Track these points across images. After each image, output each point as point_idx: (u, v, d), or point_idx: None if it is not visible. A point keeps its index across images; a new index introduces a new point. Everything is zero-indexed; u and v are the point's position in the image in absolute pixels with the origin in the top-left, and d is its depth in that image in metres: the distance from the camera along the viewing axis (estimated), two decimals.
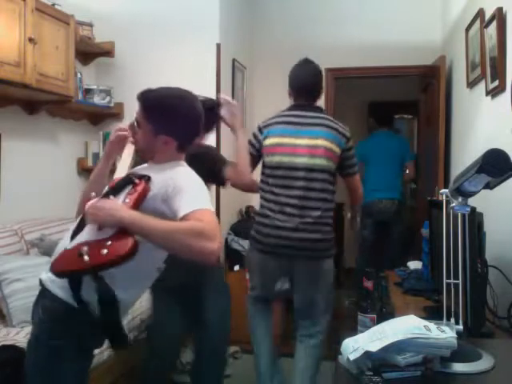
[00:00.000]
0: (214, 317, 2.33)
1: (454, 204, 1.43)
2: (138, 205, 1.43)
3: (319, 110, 2.53)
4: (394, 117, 5.40)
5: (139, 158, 1.72)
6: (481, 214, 1.68)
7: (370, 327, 1.38)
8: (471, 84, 3.04)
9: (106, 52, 3.68)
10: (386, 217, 4.30)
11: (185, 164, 1.61)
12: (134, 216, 1.36)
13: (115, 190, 1.49)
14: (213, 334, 2.34)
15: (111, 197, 1.45)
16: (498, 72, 2.40)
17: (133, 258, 1.34)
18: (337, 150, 2.39)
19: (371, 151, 4.35)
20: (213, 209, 1.44)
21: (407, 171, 4.51)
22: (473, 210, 1.48)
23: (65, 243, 1.50)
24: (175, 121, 1.55)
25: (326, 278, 2.42)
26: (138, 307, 2.63)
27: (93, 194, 1.50)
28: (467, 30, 3.06)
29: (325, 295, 2.43)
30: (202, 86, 3.64)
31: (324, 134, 2.38)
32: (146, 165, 1.66)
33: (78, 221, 1.55)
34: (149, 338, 2.50)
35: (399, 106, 6.11)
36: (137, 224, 1.34)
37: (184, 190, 1.43)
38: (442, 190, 1.50)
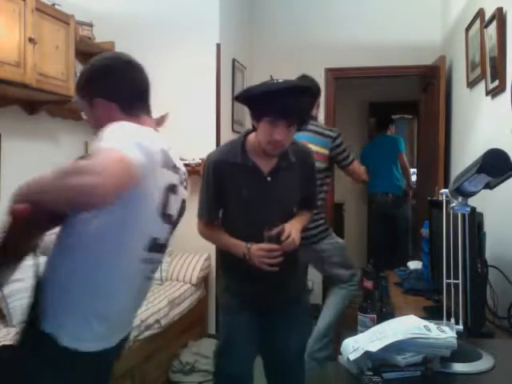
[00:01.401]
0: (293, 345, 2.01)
1: (453, 204, 1.42)
2: None
3: None
4: (392, 118, 5.53)
5: None
6: (481, 214, 1.68)
7: (370, 327, 1.38)
8: (471, 84, 3.04)
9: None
10: (385, 208, 5.00)
11: (145, 127, 1.31)
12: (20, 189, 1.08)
13: None
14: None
15: None
16: (498, 72, 2.40)
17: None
18: (323, 150, 2.72)
19: (369, 155, 5.04)
20: (125, 151, 1.09)
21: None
22: (473, 210, 1.48)
23: None
24: (99, 81, 1.37)
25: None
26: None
27: None
28: (467, 30, 3.06)
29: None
30: (202, 86, 3.68)
31: (307, 137, 2.59)
32: None
33: None
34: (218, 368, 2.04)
35: (399, 105, 6.11)
36: (20, 195, 1.07)
37: (102, 140, 1.14)
38: (442, 190, 1.50)
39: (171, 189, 1.32)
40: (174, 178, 1.34)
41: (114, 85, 1.36)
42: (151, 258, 1.34)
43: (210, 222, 1.96)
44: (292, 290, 1.97)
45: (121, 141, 1.13)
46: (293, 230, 1.79)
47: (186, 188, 1.45)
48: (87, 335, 1.27)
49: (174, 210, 1.36)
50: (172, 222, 1.37)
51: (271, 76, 1.86)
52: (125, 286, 1.32)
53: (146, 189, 1.21)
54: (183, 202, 1.43)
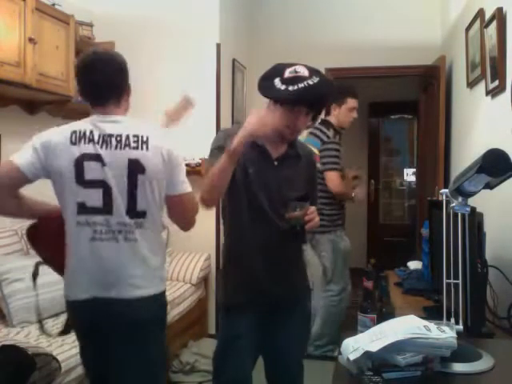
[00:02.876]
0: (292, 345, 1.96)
1: (454, 204, 1.43)
2: None
3: None
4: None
5: None
6: (481, 214, 1.68)
7: (369, 327, 1.38)
8: (471, 84, 3.04)
9: None
10: None
11: (73, 122, 1.66)
12: None
13: None
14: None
15: None
16: (498, 72, 2.40)
17: None
18: (316, 150, 2.96)
19: None
20: (16, 159, 1.58)
21: None
22: (473, 210, 1.49)
23: None
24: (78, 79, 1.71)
25: None
26: None
27: None
28: (467, 30, 3.06)
29: None
30: (202, 86, 3.68)
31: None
32: None
33: None
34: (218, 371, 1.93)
35: (399, 105, 6.12)
36: None
37: None
38: (442, 190, 1.50)
39: (85, 158, 1.57)
40: (89, 149, 1.58)
41: (78, 82, 1.72)
42: (86, 220, 1.58)
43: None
44: (297, 289, 1.96)
45: (22, 149, 1.62)
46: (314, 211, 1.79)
47: (139, 149, 1.60)
48: (64, 286, 1.67)
49: (96, 175, 1.57)
50: (104, 185, 1.57)
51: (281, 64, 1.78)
52: (71, 248, 1.62)
53: (56, 168, 1.57)
54: (130, 163, 1.59)
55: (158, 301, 1.68)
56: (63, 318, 2.55)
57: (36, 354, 1.97)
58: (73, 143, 1.58)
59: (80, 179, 1.57)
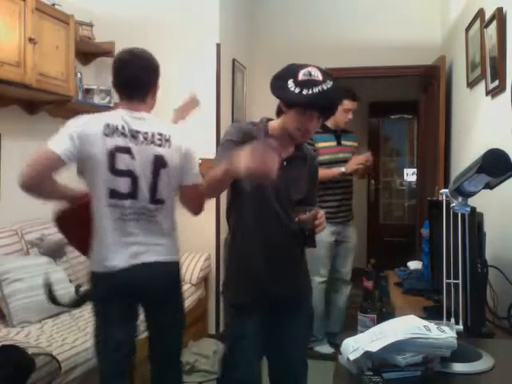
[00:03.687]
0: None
1: (454, 204, 1.42)
2: None
3: None
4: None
5: None
6: (481, 214, 1.68)
7: (370, 327, 1.38)
8: (471, 84, 3.04)
9: (106, 52, 3.68)
10: None
11: (105, 113, 1.88)
12: None
13: None
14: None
15: None
16: (498, 72, 2.40)
17: None
18: None
19: None
20: (53, 146, 1.72)
21: None
22: (473, 210, 1.49)
23: None
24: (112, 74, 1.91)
25: None
26: None
27: None
28: (467, 30, 3.06)
29: None
30: (202, 86, 3.67)
31: None
32: None
33: None
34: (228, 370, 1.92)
35: (399, 105, 6.11)
36: None
37: None
38: (442, 190, 1.49)
39: (118, 150, 1.78)
40: (121, 142, 1.79)
41: (113, 77, 1.91)
42: (115, 203, 1.80)
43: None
44: (300, 289, 1.96)
45: (57, 136, 1.76)
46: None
47: (163, 146, 1.85)
48: (94, 260, 1.86)
49: (126, 165, 1.79)
50: (132, 175, 1.80)
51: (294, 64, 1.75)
52: (102, 225, 1.82)
53: (90, 156, 1.76)
54: (155, 158, 1.83)
55: (178, 265, 1.98)
56: (63, 317, 2.56)
57: (36, 354, 1.98)
58: (106, 135, 1.78)
59: (112, 168, 1.78)
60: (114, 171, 1.79)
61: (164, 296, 1.93)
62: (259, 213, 1.81)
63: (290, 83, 1.68)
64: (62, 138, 1.75)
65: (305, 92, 1.65)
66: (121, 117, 1.82)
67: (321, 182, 3.13)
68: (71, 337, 2.32)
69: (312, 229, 1.75)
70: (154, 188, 1.84)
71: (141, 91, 1.88)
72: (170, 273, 1.94)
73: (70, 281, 2.78)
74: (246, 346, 1.83)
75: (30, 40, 2.64)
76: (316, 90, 1.65)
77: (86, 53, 3.65)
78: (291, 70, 1.72)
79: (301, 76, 1.68)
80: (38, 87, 2.75)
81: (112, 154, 1.78)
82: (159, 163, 1.83)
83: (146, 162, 1.82)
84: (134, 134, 1.81)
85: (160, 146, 1.84)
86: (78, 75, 3.42)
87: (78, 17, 3.24)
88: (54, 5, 3.01)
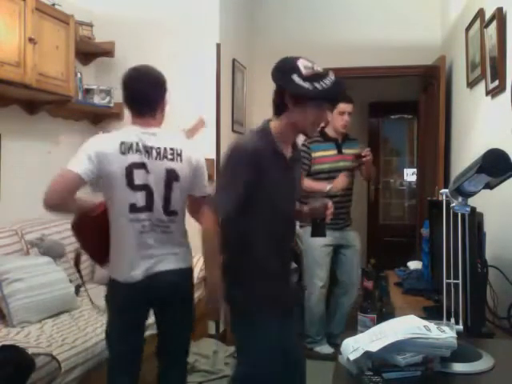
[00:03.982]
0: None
1: (454, 204, 1.42)
2: None
3: None
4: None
5: None
6: (481, 214, 1.68)
7: (369, 327, 1.38)
8: (471, 84, 3.04)
9: (106, 52, 3.68)
10: None
11: (119, 130, 2.01)
12: None
13: None
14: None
15: None
16: (498, 72, 2.40)
17: None
18: None
19: None
20: (73, 168, 1.81)
21: None
22: (473, 210, 1.49)
23: None
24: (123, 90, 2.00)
25: None
26: None
27: None
28: (467, 30, 3.06)
29: None
30: (202, 86, 3.68)
31: None
32: None
33: None
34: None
35: (399, 105, 6.11)
36: None
37: None
38: (442, 190, 1.49)
39: (134, 166, 1.87)
40: (136, 158, 1.88)
41: (123, 92, 2.00)
42: (136, 217, 1.90)
43: (225, 217, 1.76)
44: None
45: (75, 157, 1.86)
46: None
47: (175, 160, 1.94)
48: (115, 270, 1.98)
49: (142, 180, 1.88)
50: (147, 188, 1.89)
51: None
52: (124, 239, 1.92)
53: (109, 174, 1.86)
54: (168, 173, 1.92)
55: (191, 272, 2.09)
56: (63, 317, 2.56)
57: (36, 354, 1.98)
58: (122, 153, 1.87)
59: (131, 184, 1.88)
60: (133, 186, 1.88)
61: (176, 300, 2.02)
62: (278, 222, 1.78)
63: (296, 78, 1.64)
64: (81, 159, 1.84)
65: (319, 86, 1.63)
66: (134, 134, 1.91)
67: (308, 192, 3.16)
68: (71, 337, 2.32)
69: (323, 218, 1.85)
70: (167, 200, 1.93)
71: (149, 107, 1.97)
72: (182, 279, 2.03)
73: (70, 281, 2.78)
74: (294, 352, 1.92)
75: (30, 40, 2.64)
76: (328, 81, 1.64)
77: (86, 53, 3.65)
78: (289, 64, 1.68)
79: (303, 70, 1.64)
80: (38, 87, 2.75)
81: (130, 171, 1.87)
82: (171, 177, 1.92)
83: (159, 176, 1.91)
84: (148, 150, 1.90)
85: (172, 160, 1.93)
86: (78, 75, 3.42)
87: (78, 17, 3.24)
88: (54, 5, 3.01)
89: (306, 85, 1.63)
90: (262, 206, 1.74)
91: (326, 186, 3.23)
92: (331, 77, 1.67)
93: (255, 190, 1.69)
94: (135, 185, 1.88)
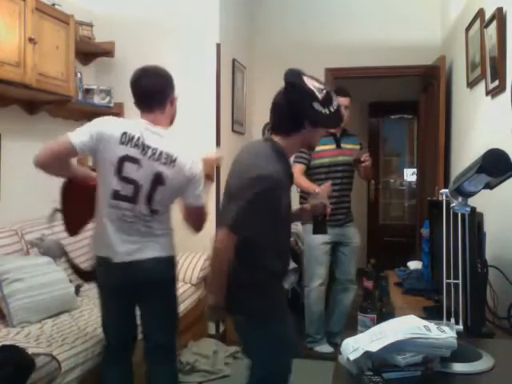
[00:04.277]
0: None
1: (454, 204, 1.43)
2: None
3: None
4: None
5: None
6: (481, 214, 1.68)
7: (369, 327, 1.38)
8: (471, 84, 3.04)
9: (106, 52, 3.68)
10: None
11: (127, 120, 2.07)
12: None
13: None
14: None
15: None
16: (498, 72, 2.40)
17: None
18: None
19: None
20: (72, 137, 1.88)
21: None
22: (473, 210, 1.49)
23: None
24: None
25: None
26: None
27: None
28: (467, 30, 3.06)
29: None
30: (202, 86, 3.68)
31: None
32: None
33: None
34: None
35: (399, 105, 6.11)
36: None
37: None
38: (442, 190, 1.50)
39: (127, 159, 1.92)
40: (132, 152, 1.92)
41: (133, 93, 2.05)
42: (117, 205, 1.96)
43: (238, 237, 1.76)
44: None
45: (80, 129, 1.94)
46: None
47: (167, 165, 1.95)
48: (97, 246, 2.08)
49: (132, 174, 1.93)
50: (135, 183, 1.93)
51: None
52: (104, 221, 1.99)
53: (102, 158, 1.93)
54: (155, 175, 1.94)
55: (171, 261, 2.10)
56: (63, 317, 2.56)
57: (36, 354, 1.97)
58: (121, 143, 1.92)
59: (119, 174, 1.93)
60: (121, 177, 1.94)
61: (155, 287, 2.04)
62: (287, 228, 1.93)
63: (317, 106, 1.68)
64: (83, 132, 1.92)
65: (332, 109, 1.72)
66: (139, 128, 1.96)
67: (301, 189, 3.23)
68: (71, 337, 2.31)
69: (324, 215, 1.90)
70: (150, 199, 1.97)
71: (158, 101, 2.01)
72: (162, 266, 2.05)
73: (70, 281, 2.78)
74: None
75: (30, 40, 2.64)
76: (335, 103, 1.73)
77: (86, 53, 3.65)
78: (307, 92, 1.68)
79: (319, 95, 1.69)
80: (37, 87, 2.75)
81: (121, 161, 1.92)
82: (158, 180, 1.95)
83: (148, 175, 1.95)
84: (144, 148, 1.94)
85: (165, 164, 1.95)
86: (78, 75, 3.42)
87: (78, 17, 3.24)
88: (54, 5, 3.01)
89: (324, 110, 1.71)
90: (271, 220, 1.77)
91: (315, 188, 3.22)
92: (333, 95, 1.74)
93: (271, 210, 1.74)
94: (123, 176, 1.94)
